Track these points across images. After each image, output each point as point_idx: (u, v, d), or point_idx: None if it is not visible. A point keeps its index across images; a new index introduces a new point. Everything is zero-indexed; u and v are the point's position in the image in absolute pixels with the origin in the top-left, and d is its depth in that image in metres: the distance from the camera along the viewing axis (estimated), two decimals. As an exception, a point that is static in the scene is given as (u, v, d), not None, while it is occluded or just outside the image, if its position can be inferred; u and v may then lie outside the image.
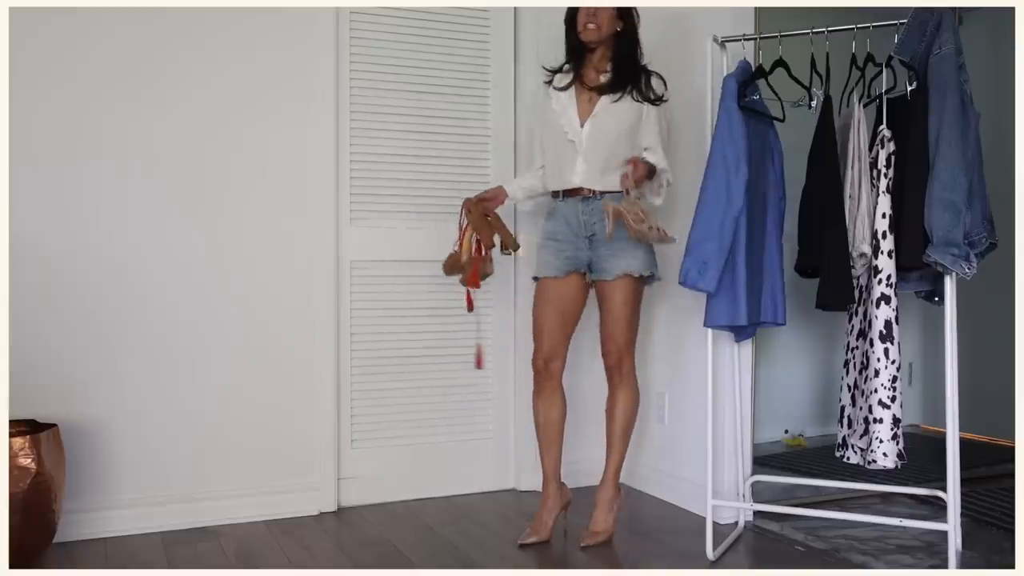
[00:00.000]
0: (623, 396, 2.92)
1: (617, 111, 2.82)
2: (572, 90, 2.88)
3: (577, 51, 2.90)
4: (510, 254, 3.03)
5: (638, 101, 2.82)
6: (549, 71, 2.97)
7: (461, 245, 2.90)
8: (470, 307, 3.02)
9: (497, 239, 2.95)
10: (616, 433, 2.93)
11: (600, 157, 2.81)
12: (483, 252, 2.92)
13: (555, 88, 2.91)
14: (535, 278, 2.95)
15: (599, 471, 3.66)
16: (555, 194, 2.92)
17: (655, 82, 2.86)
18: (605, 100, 2.83)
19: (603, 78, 2.86)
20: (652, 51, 3.58)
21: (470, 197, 2.96)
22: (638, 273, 2.82)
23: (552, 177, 2.93)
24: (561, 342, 2.91)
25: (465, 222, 2.91)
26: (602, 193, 2.81)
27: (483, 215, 2.92)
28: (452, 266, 2.93)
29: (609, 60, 2.87)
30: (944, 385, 2.61)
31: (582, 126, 2.83)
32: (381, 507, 3.32)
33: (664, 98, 2.87)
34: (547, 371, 2.90)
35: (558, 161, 2.88)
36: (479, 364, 3.21)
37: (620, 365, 2.90)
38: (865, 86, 2.76)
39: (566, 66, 2.93)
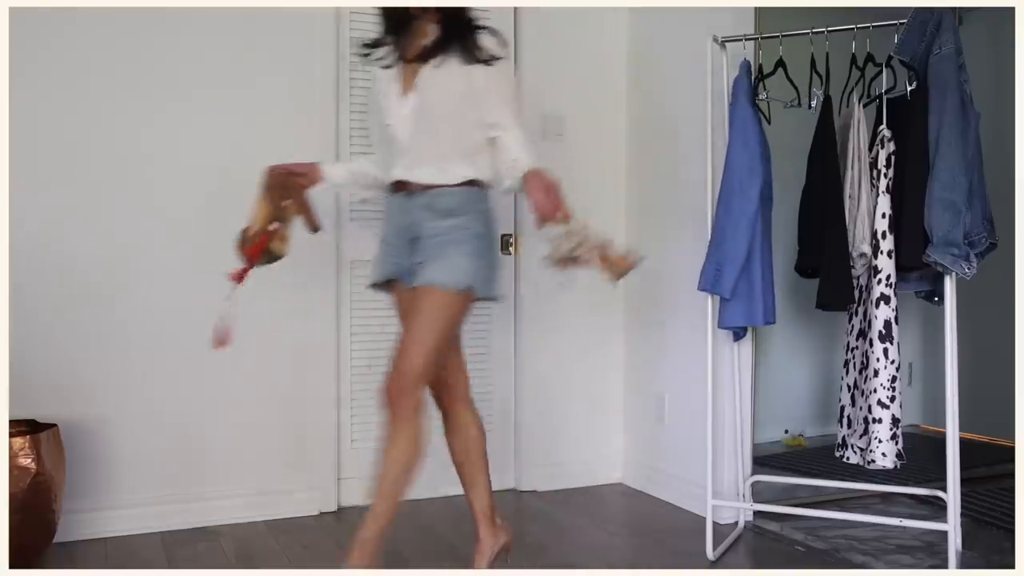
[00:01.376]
0: (398, 441, 2.22)
1: (439, 80, 2.24)
2: (397, 68, 2.32)
3: (400, 20, 2.34)
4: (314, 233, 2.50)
5: (467, 64, 2.23)
6: (366, 46, 2.41)
7: (255, 217, 2.40)
8: (237, 278, 2.40)
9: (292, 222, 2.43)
10: (386, 478, 2.27)
11: (426, 142, 2.26)
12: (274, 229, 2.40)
13: (379, 67, 2.37)
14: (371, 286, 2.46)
15: (596, 471, 3.67)
16: (388, 190, 2.40)
17: (485, 39, 2.26)
18: (427, 70, 2.24)
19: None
20: (652, 51, 3.59)
21: (277, 165, 2.43)
22: (446, 287, 2.20)
23: (383, 169, 2.42)
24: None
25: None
26: (429, 187, 2.27)
27: (282, 187, 2.41)
28: (242, 241, 2.42)
29: (435, 24, 2.29)
30: (944, 385, 2.61)
31: (400, 107, 2.28)
32: (381, 507, 3.31)
33: (498, 56, 2.26)
34: (433, 394, 2.41)
35: (386, 151, 2.38)
36: (221, 344, 2.40)
37: (399, 399, 2.19)
38: (865, 86, 2.76)
39: (388, 39, 2.37)
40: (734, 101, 2.70)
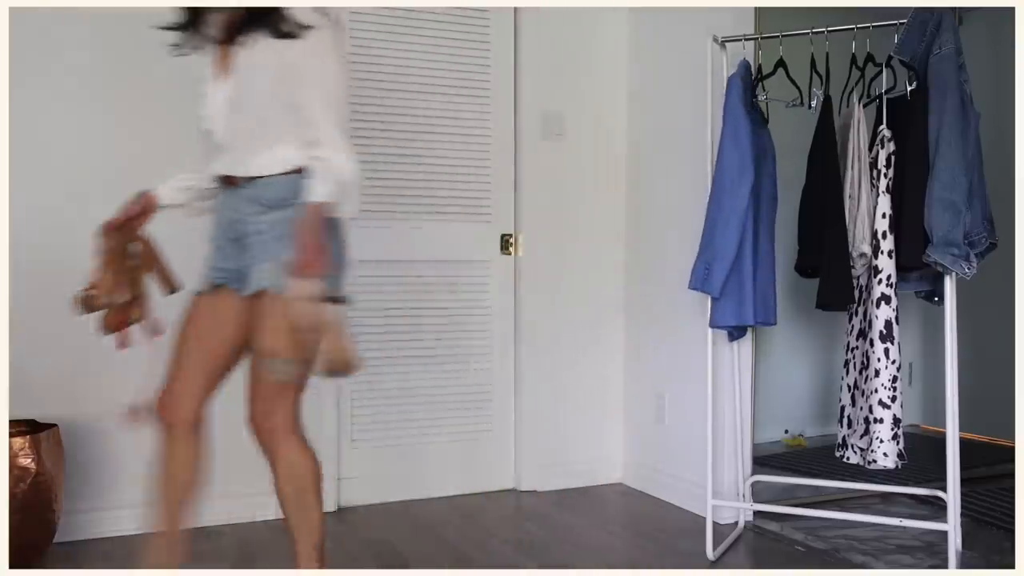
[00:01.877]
0: (281, 470, 2.03)
1: (254, 59, 1.93)
2: (212, 51, 2.04)
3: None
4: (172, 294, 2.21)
5: (276, 37, 1.91)
6: (172, 28, 2.05)
7: (100, 282, 2.12)
8: (121, 346, 2.18)
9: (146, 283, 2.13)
10: (284, 511, 2.04)
11: (245, 130, 1.98)
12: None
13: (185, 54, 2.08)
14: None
15: (596, 471, 3.67)
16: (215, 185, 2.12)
17: (298, 9, 1.91)
18: (241, 51, 1.95)
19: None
20: (652, 51, 3.59)
21: (111, 220, 2.10)
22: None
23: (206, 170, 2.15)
24: (196, 381, 2.14)
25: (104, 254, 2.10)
26: (251, 180, 1.97)
27: (124, 245, 2.14)
28: (88, 305, 2.13)
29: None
30: (944, 385, 2.61)
31: (215, 94, 2.01)
32: (381, 507, 3.32)
33: (309, 26, 1.90)
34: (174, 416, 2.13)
35: (204, 146, 2.11)
36: (133, 420, 2.22)
37: (266, 429, 2.04)
38: (865, 86, 2.76)
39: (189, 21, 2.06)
40: (726, 101, 2.71)
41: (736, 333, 2.94)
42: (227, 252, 2.04)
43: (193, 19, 2.03)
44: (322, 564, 2.04)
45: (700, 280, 2.70)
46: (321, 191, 1.87)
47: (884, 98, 2.65)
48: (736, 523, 3.08)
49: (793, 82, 2.79)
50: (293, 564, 2.03)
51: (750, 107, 2.73)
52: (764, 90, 2.80)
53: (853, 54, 2.75)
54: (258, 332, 1.95)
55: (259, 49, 1.93)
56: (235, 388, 3.12)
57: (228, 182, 2.03)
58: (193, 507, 2.10)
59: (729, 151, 2.66)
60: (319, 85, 1.92)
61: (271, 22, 1.91)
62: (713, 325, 2.76)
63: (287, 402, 2.02)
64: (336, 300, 1.93)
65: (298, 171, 1.94)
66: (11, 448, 2.52)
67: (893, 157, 2.61)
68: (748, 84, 2.74)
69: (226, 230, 2.05)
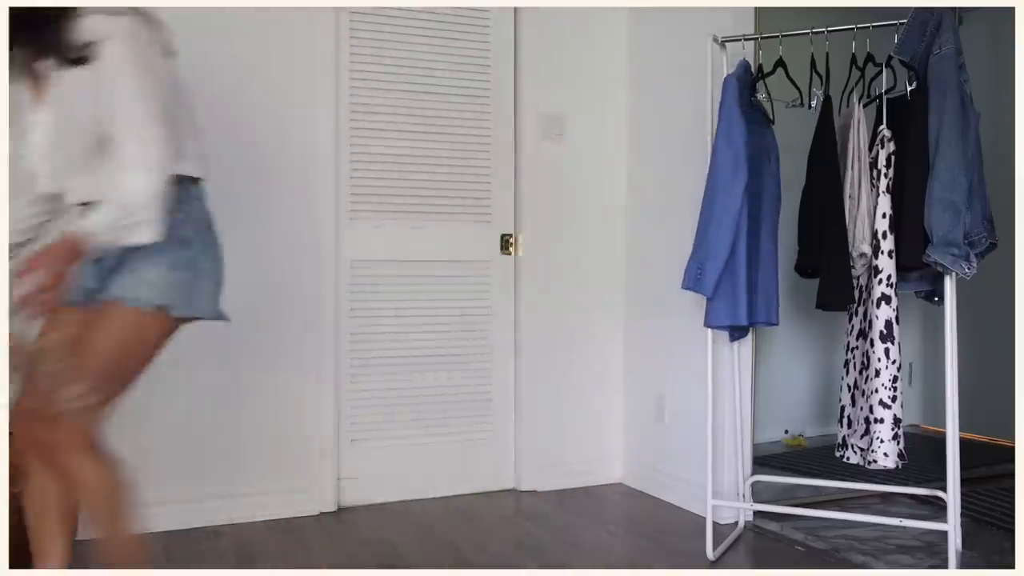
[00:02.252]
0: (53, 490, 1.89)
1: (62, 94, 1.77)
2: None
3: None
4: None
5: (65, 67, 1.74)
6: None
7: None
8: None
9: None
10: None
11: (70, 158, 1.84)
12: None
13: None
14: None
15: (596, 471, 3.67)
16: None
17: (86, 20, 1.71)
18: (50, 86, 1.79)
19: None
20: (652, 51, 3.59)
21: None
22: (131, 303, 1.81)
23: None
24: None
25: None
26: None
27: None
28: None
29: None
30: (944, 385, 2.61)
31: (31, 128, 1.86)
32: (381, 507, 3.32)
33: (93, 42, 1.70)
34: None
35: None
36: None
37: (50, 435, 1.82)
38: (865, 86, 2.76)
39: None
40: (721, 101, 2.70)
41: (737, 333, 2.93)
42: (86, 271, 1.85)
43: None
44: None
45: (693, 280, 2.70)
46: (95, 219, 1.69)
47: (884, 98, 2.65)
48: (736, 523, 3.08)
49: (793, 83, 2.79)
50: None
51: (748, 107, 2.73)
52: (766, 90, 2.80)
53: (853, 54, 2.75)
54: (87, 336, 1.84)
55: (66, 81, 1.74)
56: (235, 389, 3.13)
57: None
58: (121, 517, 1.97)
59: (722, 151, 2.67)
60: (122, 102, 1.72)
61: (55, 51, 1.72)
62: (707, 325, 2.76)
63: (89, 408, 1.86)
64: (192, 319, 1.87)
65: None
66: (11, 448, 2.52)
67: (893, 157, 2.61)
68: (746, 84, 2.74)
69: None
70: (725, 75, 2.76)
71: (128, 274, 1.79)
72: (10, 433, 1.83)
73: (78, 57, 1.71)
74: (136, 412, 3.00)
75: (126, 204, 1.71)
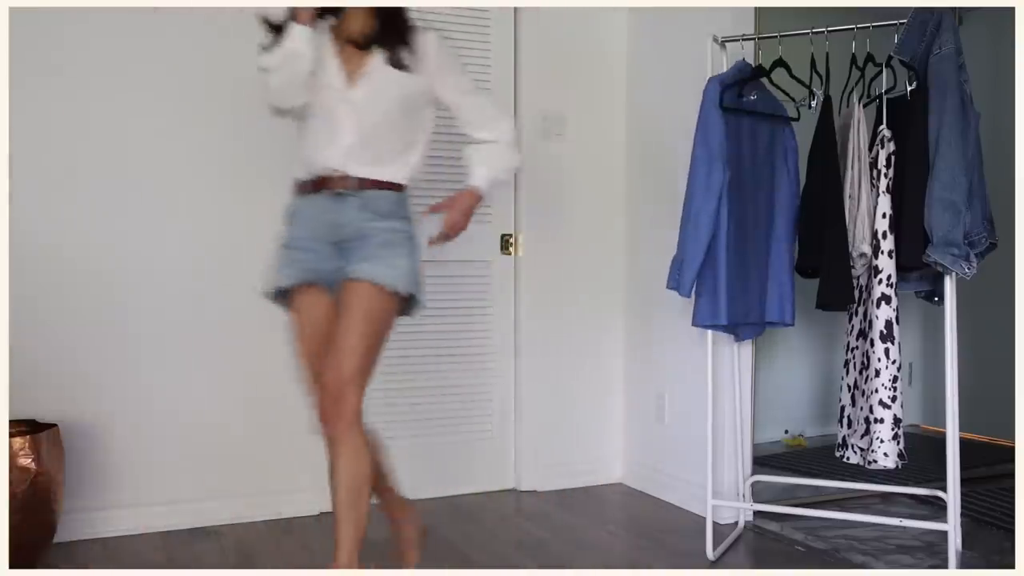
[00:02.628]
0: (344, 460, 2.10)
1: (392, 78, 2.16)
2: (330, 44, 2.17)
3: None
4: None
5: (396, 67, 2.16)
6: (274, 28, 2.12)
7: None
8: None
9: None
10: (342, 504, 2.13)
11: (368, 136, 2.16)
12: None
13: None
14: (269, 295, 2.27)
15: (596, 471, 3.67)
16: (303, 189, 2.22)
17: (423, 38, 2.22)
18: (378, 63, 2.16)
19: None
20: (652, 51, 3.59)
21: None
22: (388, 286, 2.09)
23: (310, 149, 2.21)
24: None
25: None
26: (362, 187, 2.14)
27: None
28: None
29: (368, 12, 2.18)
30: (944, 385, 2.61)
31: (346, 92, 2.14)
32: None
33: (417, 52, 2.18)
34: (338, 411, 2.11)
35: (308, 127, 2.21)
36: None
37: (338, 406, 2.06)
38: (865, 86, 2.76)
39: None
40: (701, 102, 2.71)
41: (748, 332, 2.93)
42: (321, 254, 2.15)
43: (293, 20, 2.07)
44: (355, 562, 2.13)
45: (674, 280, 2.73)
46: (481, 175, 2.28)
47: (884, 98, 2.65)
48: (736, 523, 3.08)
49: (800, 81, 2.78)
50: (331, 556, 2.11)
51: (744, 107, 2.73)
52: (776, 85, 2.79)
53: (853, 54, 2.75)
54: (340, 322, 2.09)
55: (398, 72, 2.14)
56: (234, 392, 3.13)
57: (327, 185, 2.14)
58: (369, 499, 2.20)
59: (698, 152, 2.69)
60: (466, 79, 2.31)
61: (400, 51, 2.15)
62: (693, 324, 2.77)
63: (356, 395, 2.08)
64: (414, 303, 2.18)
65: (401, 186, 2.20)
66: (11, 448, 2.52)
67: (893, 157, 2.61)
68: (736, 84, 2.73)
69: (325, 233, 2.15)
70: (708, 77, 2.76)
71: (380, 261, 2.09)
72: (318, 404, 2.11)
73: (404, 65, 2.15)
74: (136, 412, 3.01)
75: (501, 167, 2.32)
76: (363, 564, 2.15)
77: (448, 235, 2.25)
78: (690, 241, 2.67)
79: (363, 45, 2.15)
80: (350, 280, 2.09)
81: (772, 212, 2.79)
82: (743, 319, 2.77)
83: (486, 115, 2.33)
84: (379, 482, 2.29)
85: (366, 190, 2.13)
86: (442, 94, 2.26)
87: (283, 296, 2.23)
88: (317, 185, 2.15)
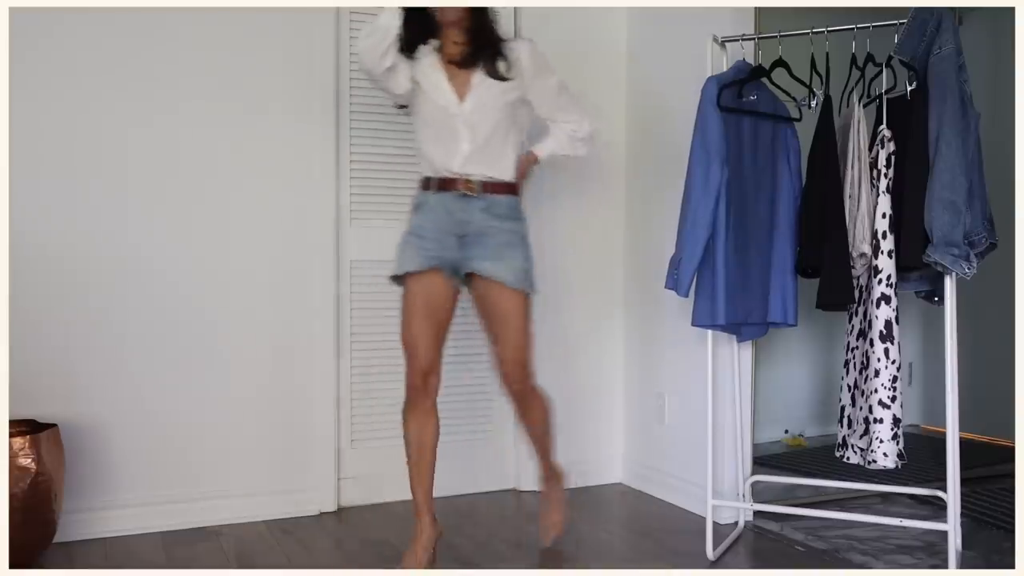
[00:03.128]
0: (534, 411, 2.73)
1: (494, 91, 2.51)
2: (436, 62, 2.53)
3: (427, 25, 2.53)
4: None
5: (494, 79, 2.51)
6: (406, 48, 2.53)
7: None
8: None
9: None
10: (537, 438, 2.80)
11: (481, 145, 2.52)
12: None
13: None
14: (392, 277, 2.59)
15: (596, 471, 3.67)
16: (429, 186, 2.57)
17: (515, 47, 2.56)
18: (480, 78, 2.51)
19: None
20: (652, 51, 3.59)
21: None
22: (526, 292, 2.58)
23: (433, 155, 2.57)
24: (436, 353, 2.57)
25: None
26: (484, 190, 2.53)
27: None
28: None
29: (462, 31, 2.53)
30: (944, 385, 2.61)
31: (458, 106, 2.50)
32: (381, 507, 3.32)
33: (508, 76, 2.51)
34: (425, 387, 2.55)
35: (430, 134, 2.57)
36: None
37: (522, 373, 2.62)
38: (865, 86, 2.76)
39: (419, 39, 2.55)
40: (700, 102, 2.71)
41: (749, 332, 2.93)
42: (445, 244, 2.52)
43: (423, 30, 2.50)
44: (554, 463, 2.88)
45: (672, 280, 2.73)
46: (547, 146, 2.69)
47: (884, 98, 2.65)
48: (736, 523, 3.08)
49: (800, 82, 2.79)
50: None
51: (743, 106, 2.73)
52: (777, 85, 2.79)
53: (853, 54, 2.75)
54: (494, 317, 2.57)
55: (499, 84, 2.49)
56: (234, 392, 3.13)
57: (452, 186, 2.51)
58: (434, 470, 2.66)
59: (696, 152, 2.69)
60: (555, 80, 2.64)
61: (495, 63, 2.49)
62: (693, 324, 2.77)
63: (530, 364, 2.64)
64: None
65: (515, 189, 2.58)
66: (11, 448, 2.52)
67: (893, 157, 2.61)
68: (735, 83, 2.73)
69: (450, 228, 2.52)
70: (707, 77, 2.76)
71: (508, 263, 2.51)
72: (503, 375, 2.62)
73: (502, 76, 2.50)
74: (136, 412, 3.01)
75: (566, 149, 2.70)
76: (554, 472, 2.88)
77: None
78: (688, 240, 2.67)
79: (464, 64, 2.49)
80: (484, 278, 2.51)
81: (774, 212, 2.79)
82: (744, 319, 2.77)
83: (571, 110, 2.67)
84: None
85: (488, 194, 2.51)
86: (534, 96, 2.59)
87: (401, 279, 2.56)
88: (443, 185, 2.52)
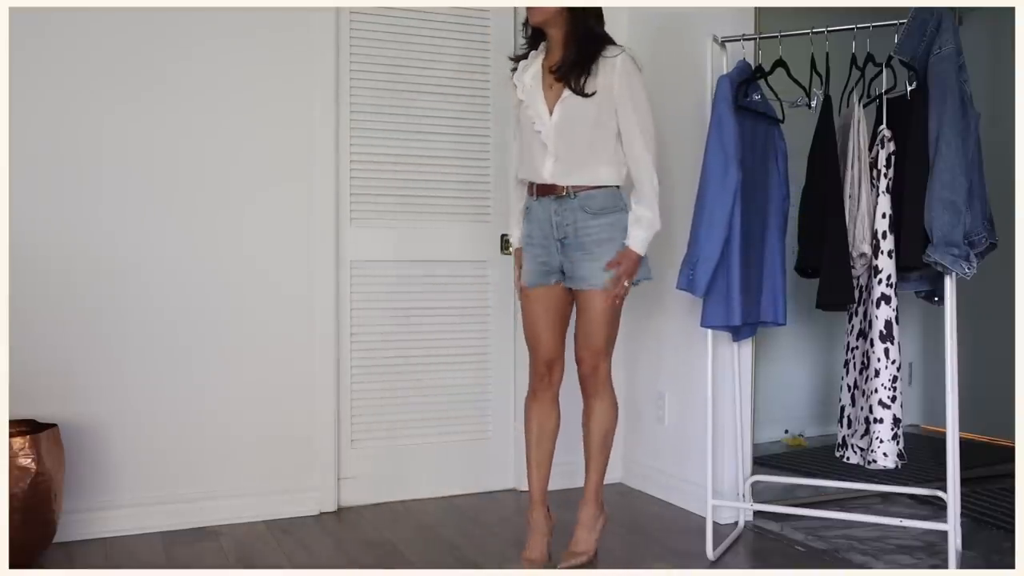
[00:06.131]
0: (599, 408, 2.68)
1: (578, 104, 2.53)
2: (539, 71, 2.60)
3: (538, 34, 2.63)
4: None
5: (582, 94, 2.53)
6: (518, 58, 2.69)
7: None
8: None
9: None
10: (594, 446, 2.71)
11: (569, 150, 2.56)
12: None
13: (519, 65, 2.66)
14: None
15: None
16: (529, 191, 2.67)
17: (618, 60, 2.55)
18: (567, 92, 2.54)
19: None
20: (652, 51, 3.59)
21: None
22: (607, 289, 2.59)
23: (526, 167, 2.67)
24: (559, 347, 2.68)
25: None
26: (578, 190, 2.56)
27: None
28: None
29: (562, 36, 2.58)
30: (944, 385, 2.61)
31: (550, 114, 2.55)
32: (381, 507, 3.32)
33: (590, 92, 2.52)
34: (549, 378, 2.69)
35: (528, 147, 2.64)
36: None
37: (595, 372, 2.64)
38: (865, 86, 2.76)
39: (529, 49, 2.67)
40: (713, 101, 2.71)
41: (742, 332, 2.93)
42: (550, 250, 2.61)
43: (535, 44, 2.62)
44: (598, 495, 2.78)
45: (686, 281, 2.72)
46: (641, 238, 2.55)
47: (884, 98, 2.65)
48: (736, 523, 3.08)
49: (797, 83, 2.78)
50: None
51: (747, 106, 2.73)
52: (771, 89, 2.79)
53: (853, 54, 2.75)
54: (580, 308, 2.62)
55: (586, 98, 2.50)
56: (234, 392, 3.13)
57: (551, 191, 2.58)
58: (551, 462, 2.77)
59: (713, 151, 2.68)
60: (636, 118, 2.54)
61: (578, 79, 2.50)
62: (703, 325, 2.77)
63: (607, 363, 2.66)
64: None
65: (613, 187, 2.58)
66: (11, 448, 2.52)
67: (893, 157, 2.61)
68: (745, 84, 2.73)
69: (551, 232, 2.60)
70: (719, 75, 2.76)
71: (600, 263, 2.55)
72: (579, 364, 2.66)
73: (590, 93, 2.51)
74: (136, 412, 3.01)
75: (653, 230, 2.58)
76: (596, 510, 2.77)
77: (617, 287, 2.57)
78: (705, 240, 2.65)
79: (557, 76, 2.53)
80: (579, 284, 2.58)
81: (766, 212, 2.79)
82: (753, 319, 2.77)
83: (640, 163, 2.57)
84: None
85: (579, 193, 2.54)
86: (619, 120, 2.56)
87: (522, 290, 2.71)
88: (541, 191, 2.60)
